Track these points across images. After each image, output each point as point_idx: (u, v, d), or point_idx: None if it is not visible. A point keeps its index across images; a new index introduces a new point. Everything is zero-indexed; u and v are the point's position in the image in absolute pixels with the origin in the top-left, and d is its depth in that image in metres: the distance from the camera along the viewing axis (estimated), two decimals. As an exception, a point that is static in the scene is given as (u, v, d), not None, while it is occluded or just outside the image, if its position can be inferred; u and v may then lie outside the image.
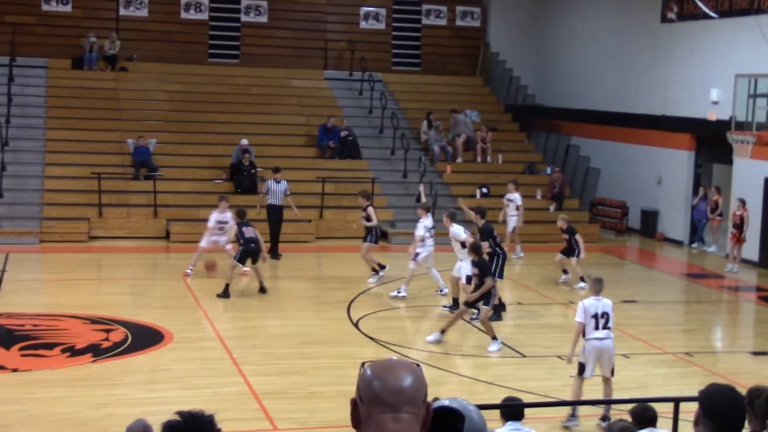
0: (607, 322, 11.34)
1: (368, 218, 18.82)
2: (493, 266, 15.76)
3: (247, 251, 17.19)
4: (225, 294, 16.86)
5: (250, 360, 13.53)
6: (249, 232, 17.26)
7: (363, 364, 3.19)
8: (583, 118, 29.12)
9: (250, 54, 30.57)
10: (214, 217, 18.62)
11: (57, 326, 14.86)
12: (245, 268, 18.05)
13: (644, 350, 14.78)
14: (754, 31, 18.27)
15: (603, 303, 11.41)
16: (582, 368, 11.32)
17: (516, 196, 22.29)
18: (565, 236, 18.73)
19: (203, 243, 18.63)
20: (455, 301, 16.36)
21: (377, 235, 19.13)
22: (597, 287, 11.57)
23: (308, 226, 23.81)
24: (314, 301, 17.63)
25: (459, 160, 27.11)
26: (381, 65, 30.95)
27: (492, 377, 12.89)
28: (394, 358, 3.34)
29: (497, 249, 16.26)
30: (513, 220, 22.15)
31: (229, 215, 18.42)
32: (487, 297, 14.11)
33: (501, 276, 16.26)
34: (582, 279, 18.20)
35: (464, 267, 15.93)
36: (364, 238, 18.99)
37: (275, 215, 21.46)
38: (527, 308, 17.32)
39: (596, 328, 11.28)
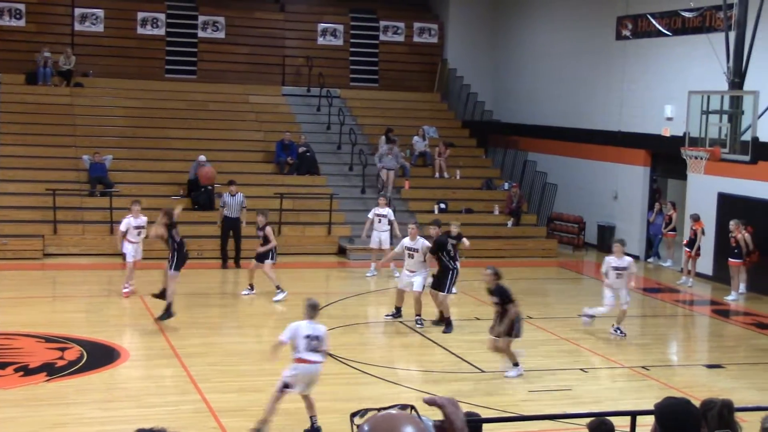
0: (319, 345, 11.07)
1: (266, 240, 18.51)
2: (447, 281, 16.17)
3: (183, 257, 16.41)
4: (168, 314, 15.97)
5: (208, 377, 13.42)
6: (178, 236, 16.53)
7: (353, 418, 2.97)
8: (540, 134, 29.36)
9: (208, 70, 30.49)
10: (129, 222, 18.16)
11: (10, 345, 14.65)
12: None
13: (601, 364, 14.88)
14: (707, 48, 18.51)
15: (315, 327, 11.12)
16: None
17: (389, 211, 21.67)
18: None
19: (129, 258, 18.12)
20: (398, 310, 16.98)
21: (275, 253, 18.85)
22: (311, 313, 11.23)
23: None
24: (273, 318, 17.56)
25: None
26: (339, 81, 30.98)
27: (452, 393, 12.89)
28: (393, 411, 3.01)
29: (451, 263, 16.45)
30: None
31: (144, 219, 18.30)
32: (513, 325, 13.72)
33: (451, 291, 16.67)
34: None
35: (417, 281, 16.51)
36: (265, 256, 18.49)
37: (229, 227, 21.74)
38: (486, 323, 17.34)
39: (308, 350, 11.00)
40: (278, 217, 24.15)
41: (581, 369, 14.45)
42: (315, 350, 11.07)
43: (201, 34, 30.66)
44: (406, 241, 17.03)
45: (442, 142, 28.18)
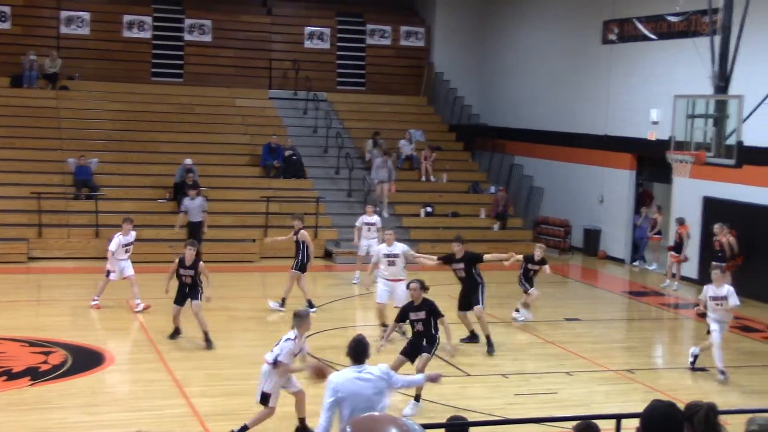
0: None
1: (300, 245, 18.05)
2: (480, 295, 15.49)
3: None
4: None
5: (194, 381, 13.39)
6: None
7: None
8: (527, 137, 29.41)
9: (194, 73, 30.43)
10: (119, 240, 17.58)
11: (-5, 349, 14.58)
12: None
13: (587, 367, 14.90)
14: (692, 52, 18.60)
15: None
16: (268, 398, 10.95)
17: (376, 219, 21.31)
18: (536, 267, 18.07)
19: (112, 276, 17.53)
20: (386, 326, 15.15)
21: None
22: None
23: (252, 245, 23.70)
24: (259, 321, 17.52)
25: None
26: (326, 85, 30.99)
27: (436, 396, 12.89)
28: (375, 413, 3.01)
29: (479, 278, 15.66)
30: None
31: (133, 236, 18.06)
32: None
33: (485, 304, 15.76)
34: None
35: (400, 292, 15.36)
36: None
37: (191, 231, 21.74)
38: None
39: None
40: (264, 221, 24.13)
41: (567, 372, 14.47)
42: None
43: (188, 37, 30.61)
44: (384, 248, 16.18)
45: (428, 146, 28.21)
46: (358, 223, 21.16)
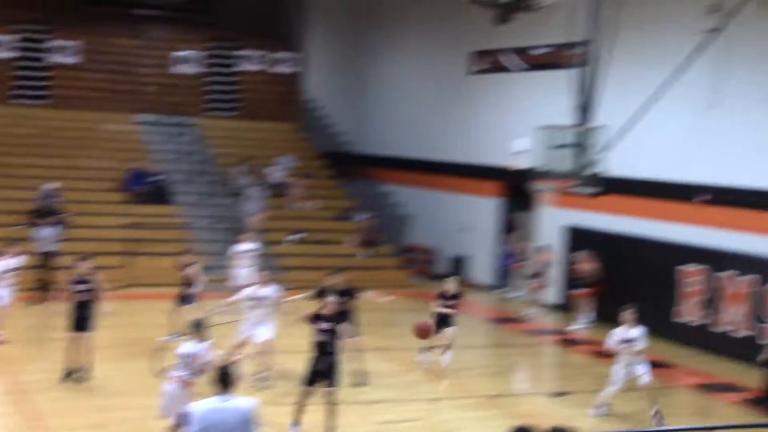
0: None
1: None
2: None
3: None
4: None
5: (53, 413, 12.95)
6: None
7: None
8: (396, 165, 29.69)
9: (61, 96, 29.62)
10: (2, 265, 17.05)
11: None
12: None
13: (452, 394, 15.03)
14: (556, 84, 19.13)
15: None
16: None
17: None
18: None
19: (3, 302, 16.92)
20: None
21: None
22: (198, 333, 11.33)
23: (117, 273, 23.14)
24: (121, 351, 17.08)
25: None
26: (195, 110, 30.62)
27: (303, 425, 12.79)
28: None
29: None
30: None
31: (19, 260, 17.50)
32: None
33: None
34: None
35: (267, 329, 14.96)
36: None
37: (43, 261, 21.19)
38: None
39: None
40: (130, 248, 23.62)
41: (431, 399, 14.55)
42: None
43: (54, 59, 29.82)
44: (253, 289, 15.23)
45: (299, 173, 28.14)
46: (235, 251, 20.80)
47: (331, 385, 12.33)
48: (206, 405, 7.91)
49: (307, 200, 27.76)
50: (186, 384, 11.07)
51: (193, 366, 11.09)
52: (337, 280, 15.40)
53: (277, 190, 27.89)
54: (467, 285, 26.20)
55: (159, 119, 29.64)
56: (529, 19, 21.06)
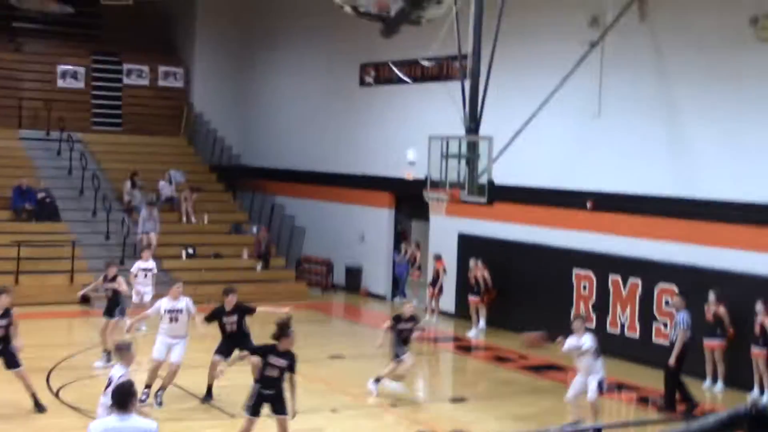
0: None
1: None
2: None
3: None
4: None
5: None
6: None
7: None
8: (288, 177, 29.64)
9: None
10: None
11: None
12: None
13: (352, 403, 15.07)
14: (444, 95, 19.36)
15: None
16: None
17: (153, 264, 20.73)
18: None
19: None
20: (148, 387, 14.44)
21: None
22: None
23: (3, 292, 22.47)
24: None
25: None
26: (80, 125, 30.02)
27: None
28: None
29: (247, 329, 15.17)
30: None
31: None
32: None
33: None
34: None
35: (178, 351, 14.53)
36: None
37: None
38: (235, 367, 17.18)
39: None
40: (16, 267, 23.00)
41: (332, 410, 14.57)
42: None
43: (-70, 74, 28.87)
44: (166, 303, 14.68)
45: (188, 187, 27.85)
46: (133, 270, 20.32)
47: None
48: (103, 424, 7.74)
49: (199, 214, 27.47)
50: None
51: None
52: (231, 298, 14.88)
53: (168, 205, 27.55)
54: (364, 295, 26.39)
55: (43, 135, 28.94)
56: (416, 31, 21.30)
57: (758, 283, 16.52)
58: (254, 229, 27.65)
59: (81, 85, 31.00)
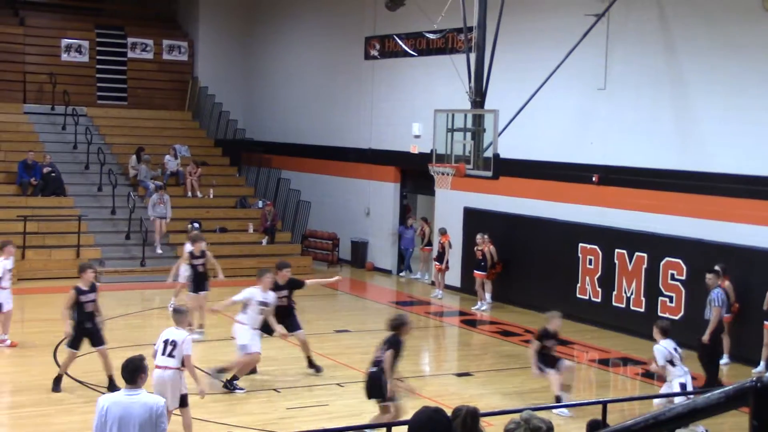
0: (173, 349, 11.12)
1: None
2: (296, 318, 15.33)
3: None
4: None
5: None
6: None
7: None
8: (293, 152, 29.60)
9: (-58, 86, 28.68)
10: (4, 265, 16.23)
11: None
12: None
13: (357, 378, 15.07)
14: (450, 68, 19.27)
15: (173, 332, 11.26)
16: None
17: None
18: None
19: (5, 308, 16.29)
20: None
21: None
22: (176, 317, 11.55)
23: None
24: (17, 347, 16.67)
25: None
26: (85, 99, 29.98)
27: (208, 414, 12.71)
28: None
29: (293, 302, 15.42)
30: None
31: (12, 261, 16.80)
32: None
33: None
34: None
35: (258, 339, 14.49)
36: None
37: None
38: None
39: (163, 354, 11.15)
40: (22, 241, 23.04)
41: (338, 384, 14.62)
42: (170, 355, 11.10)
43: (-66, 48, 28.82)
44: (259, 294, 14.32)
45: (193, 161, 27.83)
46: (187, 250, 20.11)
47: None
48: (110, 398, 7.74)
49: (204, 188, 27.47)
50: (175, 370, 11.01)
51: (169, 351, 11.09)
52: (285, 273, 15.07)
53: (173, 179, 27.56)
54: (370, 269, 26.41)
55: (47, 109, 28.92)
56: (422, 3, 21.19)
57: (764, 257, 16.48)
58: (260, 204, 27.65)
59: (85, 59, 30.93)
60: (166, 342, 11.11)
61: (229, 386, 13.95)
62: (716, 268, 15.43)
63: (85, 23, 31.26)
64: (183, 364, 11.12)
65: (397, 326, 11.60)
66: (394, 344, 11.46)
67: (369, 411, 13.35)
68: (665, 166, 18.62)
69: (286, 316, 15.02)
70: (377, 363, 11.50)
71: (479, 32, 17.55)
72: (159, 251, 24.41)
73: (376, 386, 11.45)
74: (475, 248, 21.48)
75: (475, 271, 21.50)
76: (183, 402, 11.13)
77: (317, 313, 20.39)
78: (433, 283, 23.27)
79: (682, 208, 18.24)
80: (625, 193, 19.46)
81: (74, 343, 13.65)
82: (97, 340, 13.74)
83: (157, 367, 11.02)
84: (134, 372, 7.69)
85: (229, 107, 31.41)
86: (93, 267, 14.30)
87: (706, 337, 14.61)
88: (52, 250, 23.48)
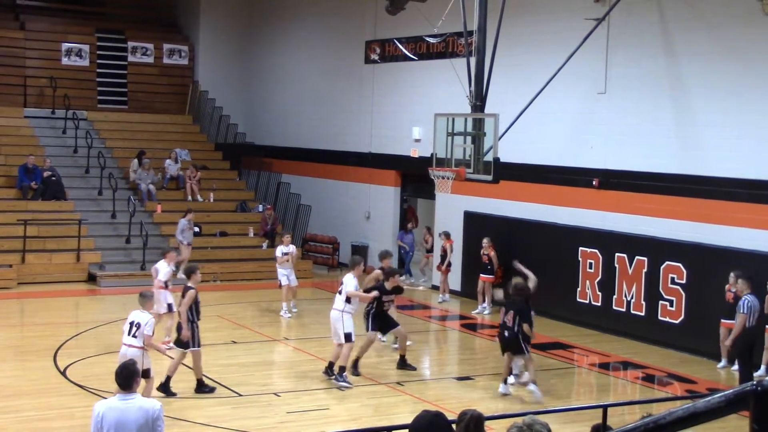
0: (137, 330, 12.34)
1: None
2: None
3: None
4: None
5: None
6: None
7: None
8: (294, 155, 29.62)
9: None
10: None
11: None
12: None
13: (358, 382, 15.08)
14: (450, 72, 19.27)
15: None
16: None
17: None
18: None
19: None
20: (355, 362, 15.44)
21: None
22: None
23: (9, 271, 22.57)
24: (17, 351, 16.68)
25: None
26: (85, 103, 30.00)
27: (208, 419, 12.71)
28: None
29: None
30: None
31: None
32: None
33: None
34: None
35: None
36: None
37: None
38: (242, 346, 17.26)
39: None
40: (22, 245, 23.05)
41: (338, 388, 14.61)
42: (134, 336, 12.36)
43: (-66, 52, 28.83)
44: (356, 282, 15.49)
45: (193, 165, 27.84)
46: (278, 253, 20.44)
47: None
48: (105, 404, 7.69)
49: (205, 192, 27.48)
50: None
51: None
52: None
53: (174, 183, 27.57)
54: (370, 273, 26.35)
55: (48, 113, 28.94)
56: (422, 7, 21.20)
57: (765, 261, 16.47)
58: (260, 208, 27.65)
59: (86, 62, 30.94)
60: (131, 323, 12.41)
61: (341, 378, 14.63)
62: (749, 275, 15.30)
63: (85, 27, 31.28)
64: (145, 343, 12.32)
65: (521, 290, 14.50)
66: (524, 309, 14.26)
67: (368, 415, 13.35)
68: (665, 170, 18.61)
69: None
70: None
71: (479, 36, 17.55)
72: (181, 275, 23.91)
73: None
74: (482, 252, 21.44)
75: (481, 275, 21.41)
76: (145, 374, 11.87)
77: (317, 317, 20.37)
78: (435, 288, 23.20)
79: (682, 212, 18.23)
80: (626, 196, 19.45)
81: (196, 342, 13.89)
82: (183, 344, 14.07)
83: (123, 344, 12.41)
84: (129, 378, 7.67)
85: (229, 111, 31.42)
86: (194, 270, 14.53)
87: (728, 342, 14.71)
88: (53, 254, 23.48)
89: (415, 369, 15.91)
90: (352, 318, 15.02)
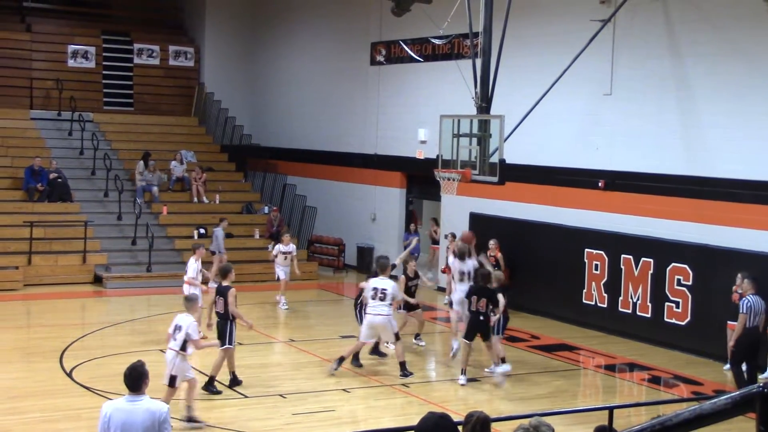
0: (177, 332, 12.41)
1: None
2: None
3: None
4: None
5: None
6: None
7: None
8: (299, 157, 29.63)
9: (-51, 92, 28.76)
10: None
11: None
12: None
13: (363, 384, 15.10)
14: (456, 74, 19.28)
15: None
16: None
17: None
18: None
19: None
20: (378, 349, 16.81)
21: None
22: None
23: (15, 273, 22.61)
24: (23, 352, 16.70)
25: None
26: (91, 105, 30.05)
27: (214, 421, 12.72)
28: None
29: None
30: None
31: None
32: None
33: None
34: None
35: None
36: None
37: None
38: (248, 348, 17.26)
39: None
40: (28, 247, 23.09)
41: (344, 389, 14.61)
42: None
43: (-59, 54, 28.91)
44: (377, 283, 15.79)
45: (199, 167, 27.87)
46: (274, 252, 21.36)
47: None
48: (113, 405, 7.68)
49: (210, 194, 27.51)
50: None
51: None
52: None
53: (179, 185, 27.61)
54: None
55: (54, 115, 29.00)
56: (427, 9, 21.20)
57: (771, 263, 16.43)
58: (266, 209, 27.67)
59: (92, 64, 30.99)
60: (175, 327, 12.35)
61: (407, 373, 15.38)
62: (754, 276, 15.26)
63: (91, 29, 31.33)
64: (183, 347, 12.20)
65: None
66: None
67: (375, 416, 13.35)
68: (671, 171, 18.59)
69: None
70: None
71: (485, 38, 17.55)
72: (212, 284, 23.77)
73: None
74: (488, 253, 21.40)
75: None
76: (171, 382, 12.04)
77: (320, 319, 20.40)
78: (441, 289, 23.18)
79: (688, 214, 18.21)
80: (632, 198, 19.43)
81: (232, 340, 14.29)
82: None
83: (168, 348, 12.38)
84: (138, 379, 7.67)
85: (235, 113, 31.45)
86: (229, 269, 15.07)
87: (730, 343, 14.69)
88: (59, 256, 23.52)
89: (386, 356, 16.54)
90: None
